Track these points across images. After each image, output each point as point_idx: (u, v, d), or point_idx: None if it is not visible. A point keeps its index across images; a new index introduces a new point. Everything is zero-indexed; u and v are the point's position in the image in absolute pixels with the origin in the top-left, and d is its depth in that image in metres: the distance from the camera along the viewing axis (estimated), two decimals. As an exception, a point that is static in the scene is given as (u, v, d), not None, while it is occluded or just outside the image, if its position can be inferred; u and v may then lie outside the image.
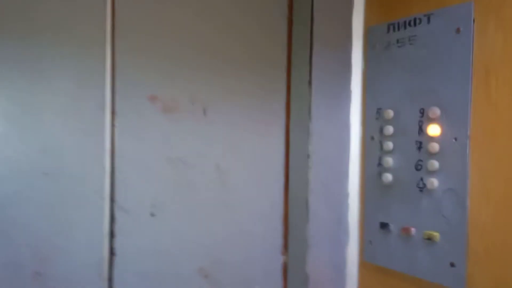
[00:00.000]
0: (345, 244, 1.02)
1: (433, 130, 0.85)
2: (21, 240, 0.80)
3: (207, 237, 0.96)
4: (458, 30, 0.82)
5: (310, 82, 0.97)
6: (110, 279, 0.87)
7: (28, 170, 0.80)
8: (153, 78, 0.89)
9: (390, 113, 0.93)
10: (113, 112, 0.86)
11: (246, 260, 1.01)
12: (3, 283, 0.78)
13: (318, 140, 0.98)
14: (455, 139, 0.82)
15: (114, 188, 0.87)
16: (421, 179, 0.87)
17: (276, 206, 1.04)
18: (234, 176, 0.99)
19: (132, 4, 0.87)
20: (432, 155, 0.85)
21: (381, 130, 0.95)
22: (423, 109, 0.87)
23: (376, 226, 0.96)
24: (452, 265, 0.82)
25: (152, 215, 0.91)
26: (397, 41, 0.92)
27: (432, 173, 0.85)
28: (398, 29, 0.92)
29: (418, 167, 0.88)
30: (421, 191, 0.88)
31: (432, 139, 0.86)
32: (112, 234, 0.87)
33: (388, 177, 0.93)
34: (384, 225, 0.94)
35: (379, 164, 0.95)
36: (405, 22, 0.91)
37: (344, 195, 1.01)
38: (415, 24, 0.89)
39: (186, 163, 0.93)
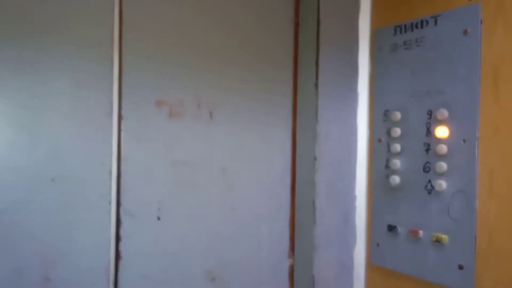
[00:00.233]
0: (352, 247, 1.02)
1: (441, 132, 0.85)
2: (29, 245, 0.79)
3: (213, 240, 0.96)
4: (465, 32, 0.82)
5: (316, 85, 0.96)
6: (116, 283, 0.86)
7: (36, 176, 0.79)
8: (160, 83, 0.89)
9: (397, 115, 0.93)
10: (120, 117, 0.85)
11: (252, 262, 1.00)
12: (14, 283, 0.78)
13: (325, 142, 0.97)
14: (464, 140, 0.82)
15: (121, 192, 0.86)
16: (429, 181, 0.87)
17: (282, 208, 1.04)
18: (240, 179, 0.99)
19: (139, 10, 0.87)
20: (440, 157, 0.85)
21: (388, 132, 0.95)
22: (431, 111, 0.87)
23: (383, 229, 0.96)
24: (460, 267, 0.82)
25: (158, 218, 0.90)
26: (404, 43, 0.92)
27: (440, 175, 0.85)
28: (405, 31, 0.91)
29: (426, 169, 0.88)
30: (429, 193, 0.87)
31: (440, 141, 0.85)
32: (118, 238, 0.86)
33: (395, 179, 0.93)
34: (391, 228, 0.94)
35: (387, 166, 0.95)
36: (412, 24, 0.90)
37: (352, 197, 1.01)
38: (422, 26, 0.89)
39: (192, 166, 0.93)
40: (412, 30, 0.90)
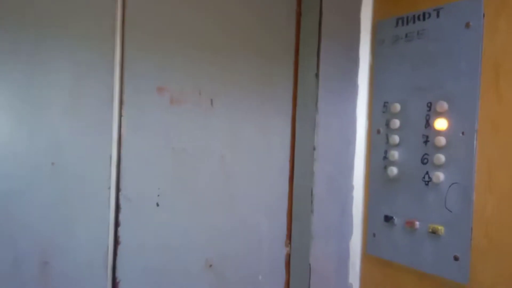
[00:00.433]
0: (349, 236, 1.03)
1: (440, 124, 0.86)
2: (30, 231, 0.79)
3: (211, 227, 0.96)
4: (467, 25, 0.82)
5: (317, 75, 0.97)
6: (114, 267, 0.87)
7: (36, 163, 0.79)
8: (162, 71, 0.88)
9: (397, 107, 0.93)
10: (121, 103, 0.85)
11: (250, 251, 1.01)
12: (13, 269, 0.78)
13: (324, 133, 0.98)
14: (463, 133, 0.82)
15: (120, 177, 0.86)
16: (427, 172, 0.88)
17: (281, 198, 1.04)
18: (239, 168, 0.99)
19: (142, 1, 0.86)
20: (438, 149, 0.86)
21: (387, 124, 0.95)
22: (430, 103, 0.88)
23: (380, 219, 0.97)
24: (456, 258, 0.83)
25: (157, 204, 0.91)
26: (406, 35, 0.92)
27: (438, 167, 0.86)
28: (407, 23, 0.92)
29: (424, 160, 0.89)
30: (426, 184, 0.88)
31: (439, 133, 0.86)
32: (117, 223, 0.87)
33: (393, 170, 0.94)
34: (388, 218, 0.95)
35: (385, 157, 0.96)
36: (414, 16, 0.91)
37: (349, 188, 1.02)
38: (424, 19, 0.89)
39: (192, 154, 0.93)
40: (414, 22, 0.91)
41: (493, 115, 0.79)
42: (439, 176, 0.85)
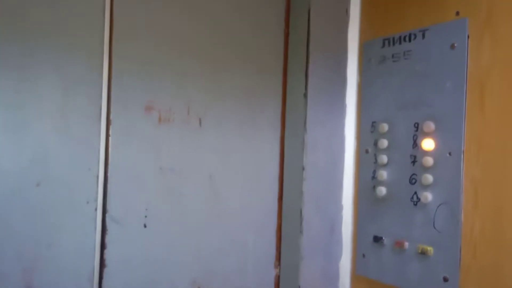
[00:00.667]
0: (338, 257, 1.02)
1: (428, 144, 0.86)
2: (11, 251, 0.78)
3: (200, 248, 0.95)
4: (452, 46, 0.83)
5: (305, 95, 0.97)
6: (100, 291, 0.85)
7: (20, 180, 0.78)
8: (150, 89, 0.88)
9: (384, 127, 0.93)
10: (108, 122, 0.85)
11: (239, 271, 1.00)
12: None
13: (313, 152, 0.98)
14: (450, 153, 0.83)
15: (107, 198, 0.85)
16: (415, 193, 0.88)
17: (270, 217, 1.04)
18: (227, 187, 0.98)
19: (130, 15, 0.87)
20: (426, 169, 0.86)
21: (375, 143, 0.95)
22: (417, 123, 0.88)
23: (369, 239, 0.96)
24: (445, 279, 0.82)
25: (145, 226, 0.90)
26: (392, 55, 0.93)
27: (426, 187, 0.86)
28: (393, 44, 0.93)
29: (412, 181, 0.89)
30: (415, 205, 0.88)
31: (426, 153, 0.86)
32: (103, 245, 0.85)
33: (382, 190, 0.93)
34: (377, 239, 0.94)
35: (373, 177, 0.96)
36: (400, 37, 0.92)
37: (338, 208, 1.02)
38: (410, 40, 0.90)
39: (180, 173, 0.93)
40: (400, 43, 0.92)
41: (478, 135, 0.80)
42: (427, 196, 0.85)
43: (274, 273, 1.04)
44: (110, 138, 0.85)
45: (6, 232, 0.77)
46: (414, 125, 0.89)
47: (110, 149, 0.85)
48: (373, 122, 0.96)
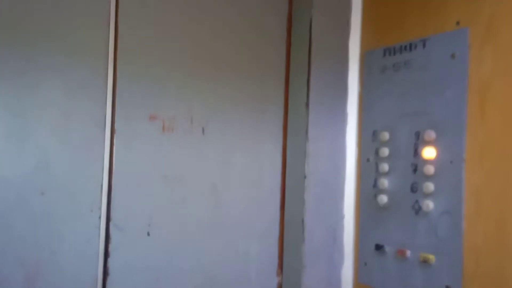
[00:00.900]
0: (340, 265, 1.02)
1: (429, 153, 0.87)
2: (14, 259, 0.78)
3: (202, 256, 0.95)
4: (453, 56, 0.84)
5: (307, 104, 0.98)
6: (103, 300, 0.86)
7: (24, 189, 0.79)
8: (154, 98, 0.89)
9: (385, 135, 0.94)
10: (112, 131, 0.86)
11: (241, 279, 1.00)
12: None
13: (315, 161, 0.98)
14: (451, 162, 0.83)
15: (111, 206, 0.86)
16: (417, 201, 0.88)
17: (272, 225, 1.04)
18: (230, 195, 0.99)
19: (135, 25, 0.88)
20: (427, 178, 0.86)
21: (376, 152, 0.96)
22: (418, 132, 0.89)
23: (371, 248, 0.96)
24: None
25: (148, 234, 0.90)
26: (393, 65, 0.94)
27: (427, 195, 0.86)
28: (394, 53, 0.94)
29: (414, 189, 0.89)
30: (416, 213, 0.88)
31: (427, 161, 0.87)
32: (107, 254, 0.86)
33: (383, 198, 0.94)
34: (379, 247, 0.94)
35: (375, 185, 0.96)
36: (401, 47, 0.93)
37: (340, 216, 1.02)
38: (410, 49, 0.91)
39: (183, 181, 0.93)
40: (401, 52, 0.93)
41: (479, 143, 0.80)
42: (429, 204, 0.86)
43: (276, 281, 1.04)
44: (114, 146, 0.86)
45: (10, 239, 0.78)
46: (415, 133, 0.89)
47: (114, 157, 0.86)
48: (374, 131, 0.97)
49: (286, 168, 1.04)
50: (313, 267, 0.99)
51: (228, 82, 0.98)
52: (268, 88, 1.03)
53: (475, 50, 0.82)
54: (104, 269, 0.85)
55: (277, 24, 1.04)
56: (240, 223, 1.00)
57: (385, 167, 0.94)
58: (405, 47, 0.92)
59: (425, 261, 0.86)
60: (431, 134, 0.86)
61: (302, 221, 0.98)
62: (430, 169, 0.86)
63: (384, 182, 0.94)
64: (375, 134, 0.97)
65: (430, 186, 0.86)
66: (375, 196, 0.96)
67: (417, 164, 0.89)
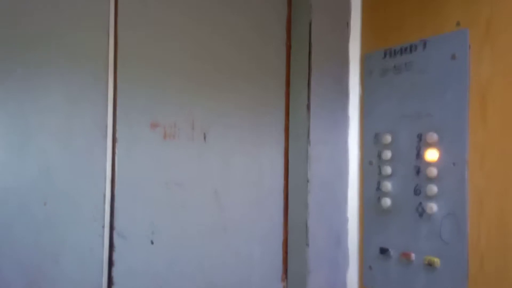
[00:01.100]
0: (345, 269, 1.01)
1: (431, 155, 0.86)
2: (17, 268, 0.79)
3: (206, 262, 0.95)
4: (453, 57, 0.83)
5: (308, 107, 0.98)
6: (108, 309, 0.86)
7: (26, 198, 0.79)
8: (155, 105, 0.90)
9: (388, 138, 0.94)
10: (114, 139, 0.86)
11: (246, 285, 1.00)
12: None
13: (317, 165, 0.98)
14: (454, 164, 0.83)
15: (114, 215, 0.86)
16: (420, 203, 0.88)
17: (275, 230, 1.04)
18: (233, 200, 0.99)
19: (134, 32, 0.88)
20: (430, 180, 0.86)
21: (379, 155, 0.96)
22: (420, 134, 0.88)
23: (375, 251, 0.96)
24: (453, 291, 0.82)
25: (152, 242, 0.90)
26: (394, 67, 0.93)
27: (431, 198, 0.86)
28: (395, 55, 0.93)
29: (417, 191, 0.88)
30: (420, 216, 0.88)
31: (430, 164, 0.86)
32: (111, 263, 0.86)
33: (387, 201, 0.93)
34: (383, 250, 0.94)
35: (378, 188, 0.96)
36: (401, 49, 0.92)
37: (344, 220, 1.01)
38: (411, 51, 0.90)
39: (186, 188, 0.93)
40: (401, 54, 0.92)
41: (481, 144, 0.79)
42: (432, 207, 0.85)
43: (281, 287, 1.04)
44: (116, 155, 0.86)
45: (13, 249, 0.78)
46: (417, 136, 0.89)
47: (116, 166, 0.86)
48: (376, 134, 0.97)
49: (289, 172, 1.04)
50: (318, 271, 0.98)
51: (228, 86, 0.98)
52: (269, 91, 1.03)
53: (475, 51, 0.81)
54: (109, 278, 0.86)
55: (277, 27, 1.04)
56: (243, 228, 1.00)
57: (388, 170, 0.93)
58: (405, 48, 0.91)
59: (430, 264, 0.85)
60: (433, 136, 0.85)
61: (306, 225, 0.98)
62: (433, 172, 0.85)
63: (387, 185, 0.93)
64: (377, 136, 0.97)
65: (433, 189, 0.85)
66: (379, 199, 0.95)
67: (419, 166, 0.88)
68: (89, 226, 0.84)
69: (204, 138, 0.95)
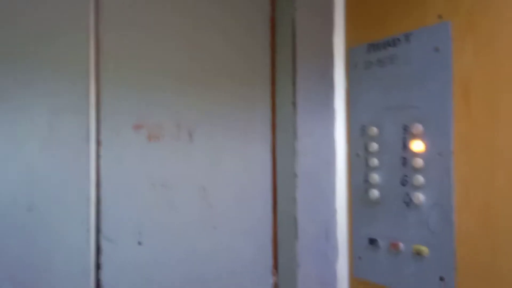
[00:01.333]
0: (334, 261, 1.02)
1: (417, 146, 0.87)
2: (3, 276, 0.76)
3: (195, 261, 0.95)
4: (437, 49, 0.84)
5: (294, 103, 0.97)
6: (98, 313, 0.84)
7: (11, 204, 0.77)
8: (138, 107, 0.88)
9: (374, 130, 0.94)
10: (98, 142, 0.84)
11: (236, 281, 1.00)
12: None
13: (304, 159, 0.98)
14: (439, 154, 0.84)
15: (100, 218, 0.85)
16: (407, 194, 0.89)
17: (265, 225, 1.04)
18: (221, 198, 0.98)
19: (115, 35, 0.86)
20: (417, 171, 0.87)
21: (366, 147, 0.96)
22: (406, 126, 0.89)
23: (365, 242, 0.97)
24: (441, 279, 0.84)
25: (139, 243, 0.89)
26: (378, 60, 0.94)
27: (417, 188, 0.87)
28: (379, 49, 0.94)
29: (404, 182, 0.90)
30: (407, 206, 0.89)
31: (416, 154, 0.87)
32: (98, 266, 0.85)
33: (374, 193, 0.94)
34: (372, 241, 0.95)
35: (366, 180, 0.97)
36: (385, 42, 0.93)
37: (332, 212, 1.02)
38: (394, 44, 0.91)
39: (173, 188, 0.92)
40: (385, 48, 0.92)
41: (466, 134, 0.81)
42: (419, 197, 0.86)
43: (272, 281, 1.04)
44: (100, 158, 0.84)
45: (-1, 259, 0.76)
46: (403, 127, 0.89)
47: (101, 169, 0.84)
48: (363, 126, 0.97)
49: (277, 167, 1.04)
50: (308, 264, 0.99)
51: (213, 85, 0.97)
52: (254, 88, 1.02)
53: (458, 43, 0.82)
54: (97, 281, 0.84)
55: (261, 23, 1.03)
56: (232, 225, 0.99)
57: (375, 161, 0.94)
58: (389, 42, 0.92)
59: (419, 253, 0.86)
60: (418, 127, 0.86)
61: (295, 219, 0.98)
62: (419, 162, 0.86)
63: (375, 177, 0.94)
64: (363, 129, 0.97)
65: (420, 179, 0.86)
66: (366, 190, 0.96)
67: (406, 157, 0.89)
68: (75, 230, 0.82)
69: (190, 137, 0.94)
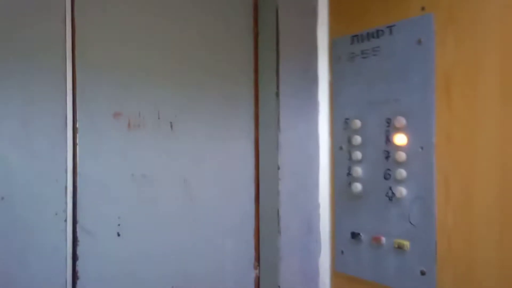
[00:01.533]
0: (317, 255, 1.01)
1: (400, 139, 0.86)
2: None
3: (177, 254, 0.94)
4: (419, 41, 0.84)
5: (277, 95, 0.96)
6: (75, 305, 0.83)
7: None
8: (118, 95, 0.86)
9: (357, 123, 0.93)
10: (75, 130, 0.82)
11: (218, 274, 0.99)
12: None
13: (287, 152, 0.97)
14: (421, 148, 0.83)
15: (77, 208, 0.83)
16: (390, 188, 0.88)
17: (247, 218, 1.03)
18: (203, 190, 0.97)
19: (92, 20, 0.84)
20: (399, 164, 0.86)
21: (349, 140, 0.95)
22: (389, 119, 0.88)
23: (347, 236, 0.96)
24: (422, 273, 0.83)
25: (118, 234, 0.87)
26: (361, 52, 0.93)
27: (400, 182, 0.86)
28: (362, 41, 0.93)
29: (387, 176, 0.89)
30: (390, 200, 0.88)
31: (399, 148, 0.87)
32: (75, 257, 0.83)
33: (357, 186, 0.94)
34: (355, 235, 0.94)
35: (349, 174, 0.96)
36: (368, 34, 0.92)
37: (315, 206, 1.01)
38: (378, 36, 0.90)
39: (153, 179, 0.91)
40: (368, 40, 0.92)
41: (447, 128, 0.80)
42: (402, 191, 0.86)
43: (254, 274, 1.03)
44: (77, 147, 0.82)
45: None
46: (386, 120, 0.89)
47: (78, 158, 0.82)
48: (346, 119, 0.96)
49: (259, 160, 1.03)
50: (290, 258, 0.98)
51: (194, 75, 0.95)
52: (237, 80, 1.01)
53: (440, 36, 0.81)
54: (73, 273, 0.83)
55: (243, 15, 1.02)
56: (214, 218, 0.98)
57: (358, 155, 0.93)
58: (373, 34, 0.91)
59: (400, 248, 0.86)
60: (401, 121, 0.86)
61: (278, 212, 0.97)
62: (401, 156, 0.86)
63: (358, 170, 0.93)
64: (347, 122, 0.96)
65: (402, 173, 0.86)
66: (349, 184, 0.95)
67: (389, 151, 0.88)
68: (51, 221, 0.81)
69: (171, 127, 0.93)
